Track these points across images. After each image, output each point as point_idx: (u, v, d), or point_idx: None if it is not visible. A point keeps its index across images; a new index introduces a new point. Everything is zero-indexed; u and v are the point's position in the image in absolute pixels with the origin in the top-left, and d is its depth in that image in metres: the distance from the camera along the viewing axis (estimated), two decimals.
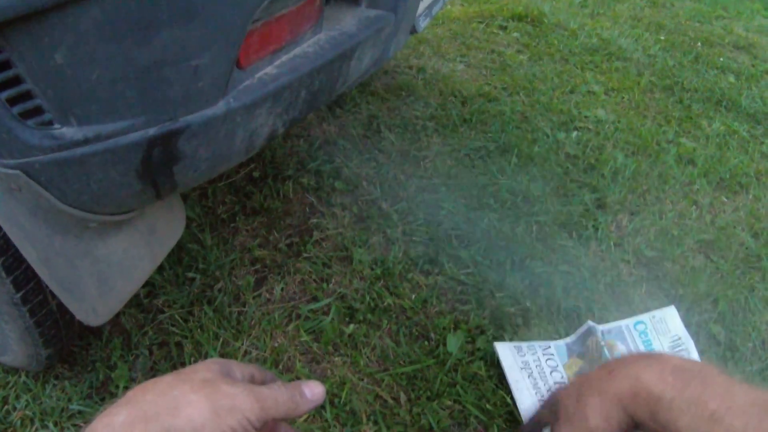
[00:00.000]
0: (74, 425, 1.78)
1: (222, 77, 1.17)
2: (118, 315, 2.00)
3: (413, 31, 2.08)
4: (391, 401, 1.90)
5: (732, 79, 4.62)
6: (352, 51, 1.55)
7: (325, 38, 1.49)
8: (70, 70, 1.00)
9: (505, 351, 2.03)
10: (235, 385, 0.79)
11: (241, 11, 1.12)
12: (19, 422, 1.77)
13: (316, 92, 1.49)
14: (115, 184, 1.20)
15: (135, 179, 1.20)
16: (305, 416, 1.81)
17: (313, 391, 0.88)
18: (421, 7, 2.04)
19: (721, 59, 4.93)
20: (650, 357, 0.90)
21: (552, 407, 1.00)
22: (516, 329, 2.18)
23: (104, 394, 1.87)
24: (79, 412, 1.81)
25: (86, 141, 1.08)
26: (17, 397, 1.83)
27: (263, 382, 0.89)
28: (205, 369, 0.82)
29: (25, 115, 1.03)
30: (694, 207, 3.01)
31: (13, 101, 1.01)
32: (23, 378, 1.86)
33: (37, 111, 1.04)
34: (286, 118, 1.43)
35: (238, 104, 1.22)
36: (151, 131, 1.13)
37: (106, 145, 1.10)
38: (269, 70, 1.32)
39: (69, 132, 1.08)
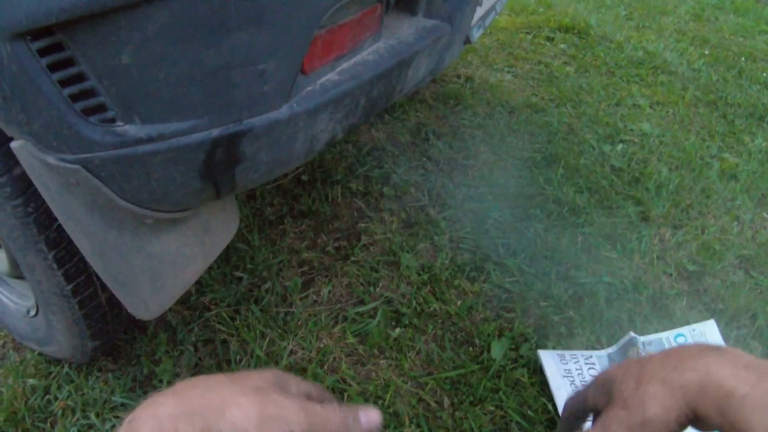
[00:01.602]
0: (116, 417, 1.80)
1: (287, 82, 1.19)
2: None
3: (467, 41, 2.09)
4: (434, 405, 1.92)
5: None
6: (410, 60, 1.56)
7: (385, 47, 1.51)
8: (136, 69, 1.02)
9: (548, 358, 2.05)
10: (287, 397, 0.77)
11: (308, 18, 1.14)
12: (60, 412, 1.81)
13: (375, 99, 1.51)
14: (175, 183, 1.22)
15: (196, 178, 1.23)
16: None
17: (369, 417, 0.84)
18: (475, 17, 2.05)
19: (765, 75, 4.90)
20: (720, 350, 0.82)
21: (604, 387, 0.90)
22: (559, 338, 2.19)
23: (148, 387, 1.90)
24: (122, 404, 1.84)
25: (149, 139, 1.11)
26: (59, 388, 1.87)
27: (321, 402, 0.84)
28: (259, 377, 0.80)
29: (88, 111, 1.05)
30: (735, 222, 3.01)
31: (75, 98, 1.03)
32: (66, 369, 1.90)
33: (100, 108, 1.06)
34: (345, 123, 1.45)
35: (300, 109, 1.24)
36: (215, 132, 1.15)
37: (168, 144, 1.13)
38: (331, 76, 1.34)
39: (132, 129, 1.10)
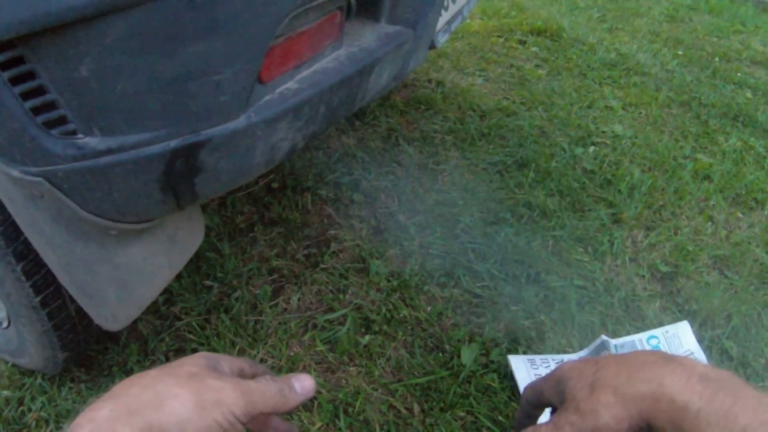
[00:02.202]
0: None
1: (244, 92, 1.19)
2: (135, 321, 1.99)
3: (432, 46, 2.09)
4: (404, 412, 1.91)
5: (749, 94, 4.62)
6: (372, 66, 1.56)
7: (346, 54, 1.51)
8: (95, 82, 1.02)
9: (518, 363, 2.05)
10: (221, 378, 0.79)
11: (263, 27, 1.13)
12: (34, 423, 1.79)
13: (336, 107, 1.51)
14: (136, 194, 1.22)
15: (156, 189, 1.22)
16: (319, 424, 1.83)
17: (303, 384, 0.87)
18: (441, 22, 2.05)
19: (739, 74, 4.93)
20: (675, 360, 0.82)
21: (558, 386, 0.91)
22: (530, 342, 2.18)
23: None
24: None
25: (109, 151, 1.11)
26: (33, 399, 1.85)
27: (254, 376, 0.87)
28: (192, 363, 0.81)
29: (49, 124, 1.06)
30: (709, 223, 3.01)
31: (37, 111, 1.03)
32: (39, 380, 1.89)
33: (61, 121, 1.07)
34: (306, 132, 1.44)
35: (259, 118, 1.24)
36: (173, 143, 1.15)
37: (128, 155, 1.12)
38: (290, 84, 1.34)
39: (92, 142, 1.10)
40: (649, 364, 0.82)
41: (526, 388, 1.00)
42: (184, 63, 1.06)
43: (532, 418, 1.03)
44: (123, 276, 1.48)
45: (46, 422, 1.80)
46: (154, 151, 1.14)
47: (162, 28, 1.00)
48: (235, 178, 1.36)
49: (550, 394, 0.93)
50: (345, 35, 1.53)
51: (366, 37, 1.62)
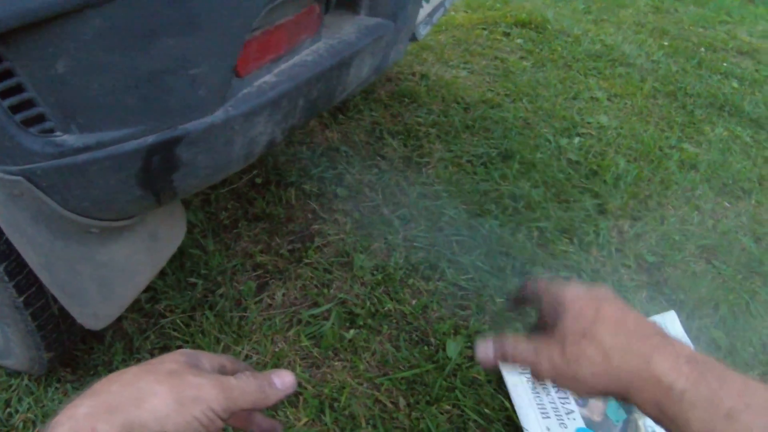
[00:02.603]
0: None
1: (220, 86, 1.18)
2: (120, 319, 2.02)
3: (413, 38, 2.08)
4: (390, 406, 1.91)
5: (735, 84, 4.63)
6: (351, 59, 1.55)
7: (325, 46, 1.50)
8: (72, 78, 1.01)
9: None
10: (200, 375, 0.79)
11: (238, 21, 1.12)
12: (21, 425, 1.78)
13: (315, 100, 1.50)
14: (115, 191, 1.21)
15: (135, 186, 1.21)
16: (304, 420, 1.82)
17: (283, 380, 0.87)
18: (422, 14, 2.04)
19: (725, 64, 4.94)
20: (666, 340, 0.83)
21: (554, 308, 0.91)
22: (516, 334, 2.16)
23: None
24: None
25: (87, 148, 1.10)
26: (20, 400, 1.83)
27: (235, 373, 0.87)
28: (172, 360, 0.81)
29: (28, 122, 1.05)
30: (696, 212, 3.01)
31: (15, 109, 1.02)
32: (26, 381, 1.87)
33: (40, 119, 1.06)
34: (284, 125, 1.43)
35: (236, 112, 1.23)
36: (151, 139, 1.14)
37: (106, 152, 1.12)
38: (268, 78, 1.33)
39: (70, 139, 1.09)
40: (644, 338, 0.83)
41: (530, 281, 1.01)
42: (160, 58, 1.05)
43: (517, 307, 1.07)
44: (104, 274, 1.47)
45: (33, 423, 1.79)
46: (132, 148, 1.13)
47: (137, 23, 0.99)
48: (214, 173, 1.36)
49: (547, 307, 0.94)
50: (324, 28, 1.52)
51: (345, 29, 1.61)
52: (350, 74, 1.62)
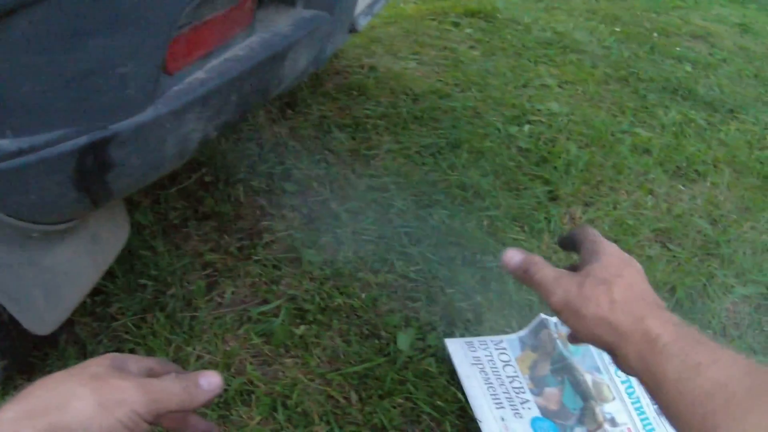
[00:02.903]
0: None
1: (149, 84, 1.17)
2: (73, 324, 2.00)
3: (353, 30, 2.07)
4: (342, 401, 1.90)
5: (689, 68, 4.67)
6: (286, 52, 1.55)
7: (258, 40, 1.50)
8: (2, 82, 1.01)
9: (455, 347, 2.03)
10: (124, 378, 0.80)
11: (163, 18, 1.12)
12: None
13: (248, 95, 1.50)
14: (51, 194, 1.21)
15: (70, 188, 1.21)
16: (257, 418, 1.81)
17: (209, 380, 0.88)
18: (361, 5, 2.04)
19: (678, 49, 4.97)
20: (660, 308, 0.94)
21: (591, 253, 1.04)
22: (467, 325, 2.18)
23: None
24: None
25: (21, 152, 1.09)
26: None
27: (164, 374, 0.89)
28: (96, 364, 0.83)
29: None
30: (650, 196, 3.03)
31: None
32: None
33: None
34: (217, 121, 1.43)
35: (166, 110, 1.23)
36: (82, 140, 1.13)
37: (39, 155, 1.11)
38: (199, 74, 1.33)
39: (5, 143, 1.08)
40: (645, 302, 0.94)
41: (582, 226, 1.15)
42: (87, 57, 1.05)
43: (566, 247, 1.20)
44: (48, 278, 1.47)
45: None
46: (64, 149, 1.13)
47: (63, 24, 0.99)
48: (148, 173, 1.36)
49: (585, 251, 1.06)
50: (258, 21, 1.53)
51: (280, 22, 1.61)
52: (285, 67, 1.62)
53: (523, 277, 1.05)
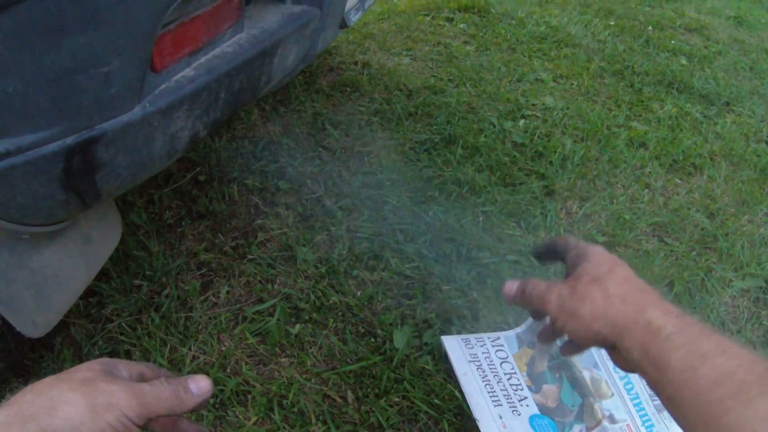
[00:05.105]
0: None
1: (135, 82, 1.17)
2: (68, 326, 1.99)
3: (343, 25, 2.07)
4: (339, 400, 1.89)
5: (684, 61, 4.66)
6: (274, 48, 1.55)
7: (246, 37, 1.50)
8: None
9: (452, 344, 2.02)
10: (114, 382, 0.80)
11: (148, 15, 1.11)
12: None
13: (237, 92, 1.49)
14: (40, 196, 1.20)
15: (58, 189, 1.20)
16: (254, 419, 1.80)
17: (199, 385, 0.89)
18: (353, 0, 2.02)
19: (673, 42, 4.96)
20: (661, 299, 0.95)
21: (579, 257, 1.07)
22: (464, 322, 2.16)
23: None
24: None
25: (7, 154, 1.08)
26: None
27: (155, 379, 0.88)
28: (86, 369, 0.83)
29: None
30: (646, 190, 3.02)
31: None
32: None
33: None
34: (207, 119, 1.42)
35: (154, 108, 1.22)
36: (69, 140, 1.12)
37: (26, 157, 1.10)
38: (187, 72, 1.32)
39: None
40: (643, 293, 0.96)
41: (561, 237, 1.19)
42: (70, 57, 1.04)
43: (545, 260, 1.27)
44: (39, 281, 1.46)
45: None
46: (51, 150, 1.12)
47: (45, 22, 0.98)
48: (137, 172, 1.35)
49: (572, 258, 1.09)
50: (246, 18, 1.53)
51: (269, 18, 1.61)
52: (275, 64, 1.62)
53: (522, 297, 1.09)
